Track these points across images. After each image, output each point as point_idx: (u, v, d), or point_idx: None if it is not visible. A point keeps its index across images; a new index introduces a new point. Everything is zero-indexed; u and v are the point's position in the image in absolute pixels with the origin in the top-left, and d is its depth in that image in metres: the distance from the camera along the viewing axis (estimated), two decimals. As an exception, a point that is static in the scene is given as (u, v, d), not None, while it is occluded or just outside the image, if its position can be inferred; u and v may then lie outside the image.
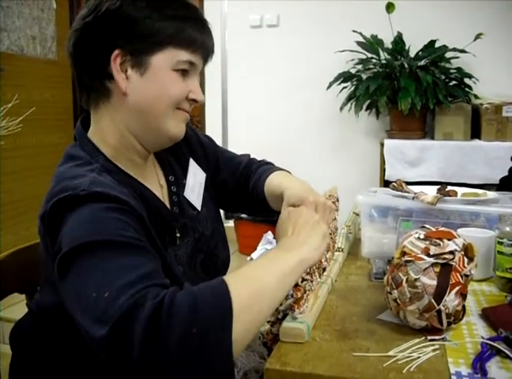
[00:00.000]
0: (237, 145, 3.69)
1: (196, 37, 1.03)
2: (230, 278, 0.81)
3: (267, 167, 1.31)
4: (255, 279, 0.84)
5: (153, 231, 0.96)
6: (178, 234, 1.11)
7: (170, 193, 1.14)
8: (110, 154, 1.03)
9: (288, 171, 1.31)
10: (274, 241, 4.00)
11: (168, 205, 1.12)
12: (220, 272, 1.21)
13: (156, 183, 1.13)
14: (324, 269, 1.16)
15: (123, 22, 0.98)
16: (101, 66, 0.99)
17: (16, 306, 1.18)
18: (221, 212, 1.33)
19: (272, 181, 1.23)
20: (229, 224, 4.06)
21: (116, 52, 0.98)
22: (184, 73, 1.03)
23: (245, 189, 1.30)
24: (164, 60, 1.00)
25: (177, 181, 1.16)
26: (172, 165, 1.18)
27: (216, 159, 1.30)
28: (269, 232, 4.08)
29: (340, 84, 3.51)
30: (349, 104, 3.51)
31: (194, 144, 1.26)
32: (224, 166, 1.31)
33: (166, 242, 1.06)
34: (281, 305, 1.04)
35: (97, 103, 1.04)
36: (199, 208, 1.18)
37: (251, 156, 1.39)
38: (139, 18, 0.98)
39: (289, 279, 0.88)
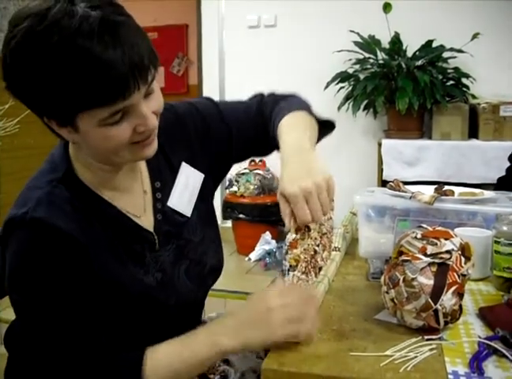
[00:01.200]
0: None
1: (105, 88, 0.84)
2: (150, 360, 0.93)
3: (277, 113, 1.18)
4: (171, 368, 0.94)
5: (110, 248, 0.99)
6: (156, 242, 1.08)
7: (154, 199, 1.10)
8: (77, 167, 1.01)
9: (298, 106, 1.18)
10: (272, 241, 4.01)
11: (152, 212, 1.09)
12: (206, 279, 1.18)
13: (138, 189, 1.09)
14: (320, 268, 1.16)
15: (27, 98, 0.90)
16: (42, 120, 0.94)
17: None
18: (218, 212, 1.31)
19: (279, 136, 1.12)
20: (227, 225, 4.06)
21: (45, 118, 0.92)
22: (116, 122, 0.90)
23: (265, 137, 1.21)
24: (86, 121, 0.89)
25: (163, 187, 1.11)
26: (161, 170, 1.12)
27: (226, 128, 1.20)
28: (267, 232, 4.12)
29: (337, 84, 3.52)
30: (347, 104, 3.51)
31: (194, 130, 1.18)
32: (237, 130, 1.21)
33: (136, 252, 1.04)
34: None
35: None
36: (189, 214, 1.14)
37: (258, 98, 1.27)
38: (35, 94, 0.87)
39: (202, 365, 0.97)
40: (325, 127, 1.22)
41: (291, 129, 1.11)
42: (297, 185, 0.95)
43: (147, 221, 1.08)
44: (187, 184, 1.14)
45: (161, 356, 0.95)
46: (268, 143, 1.20)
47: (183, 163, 1.14)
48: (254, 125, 1.22)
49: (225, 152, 1.22)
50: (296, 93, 1.28)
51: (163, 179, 1.12)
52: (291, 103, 1.20)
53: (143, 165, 1.11)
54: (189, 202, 1.14)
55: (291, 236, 1.00)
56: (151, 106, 0.93)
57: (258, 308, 0.95)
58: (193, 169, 1.16)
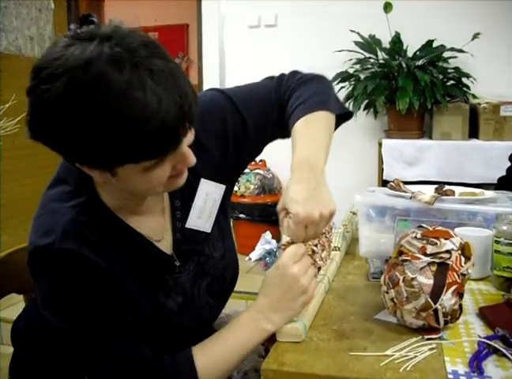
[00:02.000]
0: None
1: (157, 147, 0.82)
2: (201, 362, 0.96)
3: (295, 107, 1.13)
4: (224, 362, 0.98)
5: (134, 275, 0.98)
6: (177, 263, 1.06)
7: (173, 218, 1.07)
8: (99, 192, 0.97)
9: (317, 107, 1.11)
10: (273, 241, 4.00)
11: (170, 232, 1.07)
12: (226, 293, 1.19)
13: (157, 210, 1.06)
14: (320, 268, 1.16)
15: (67, 148, 0.84)
16: (69, 160, 0.89)
17: (15, 307, 1.18)
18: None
19: (293, 145, 1.07)
20: (227, 224, 4.06)
21: (77, 163, 0.87)
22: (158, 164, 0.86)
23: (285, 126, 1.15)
24: (129, 170, 0.85)
25: (183, 206, 1.08)
26: (182, 188, 1.03)
27: (242, 121, 1.14)
28: (267, 232, 4.11)
29: (338, 83, 3.51)
30: (347, 104, 3.51)
31: (211, 139, 1.11)
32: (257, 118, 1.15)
33: (158, 277, 1.03)
34: None
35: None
36: (209, 230, 1.11)
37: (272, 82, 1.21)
38: (79, 146, 0.82)
39: (251, 351, 1.01)
40: (343, 117, 1.20)
41: (307, 136, 1.07)
42: (304, 209, 0.95)
43: (166, 243, 1.06)
44: (207, 199, 1.10)
45: (210, 352, 0.98)
46: (284, 129, 1.16)
47: (202, 180, 1.09)
48: (271, 115, 1.16)
49: (244, 147, 1.16)
50: (319, 75, 1.22)
51: (182, 197, 1.08)
52: (312, 95, 1.14)
53: None
54: (209, 218, 1.11)
55: (285, 238, 1.03)
56: (187, 142, 0.90)
57: (285, 280, 0.98)
58: (212, 183, 1.11)
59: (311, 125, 1.09)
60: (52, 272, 0.91)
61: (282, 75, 1.21)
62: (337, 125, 1.17)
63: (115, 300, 0.94)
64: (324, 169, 1.03)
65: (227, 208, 1.19)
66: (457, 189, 1.47)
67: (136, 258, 0.99)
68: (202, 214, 1.10)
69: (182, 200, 1.08)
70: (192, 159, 0.92)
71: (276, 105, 1.16)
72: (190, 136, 0.90)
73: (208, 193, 1.11)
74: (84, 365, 0.96)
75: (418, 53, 3.47)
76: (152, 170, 0.86)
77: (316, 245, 1.08)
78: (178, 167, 0.91)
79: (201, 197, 1.10)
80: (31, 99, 0.81)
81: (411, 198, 1.36)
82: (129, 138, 0.79)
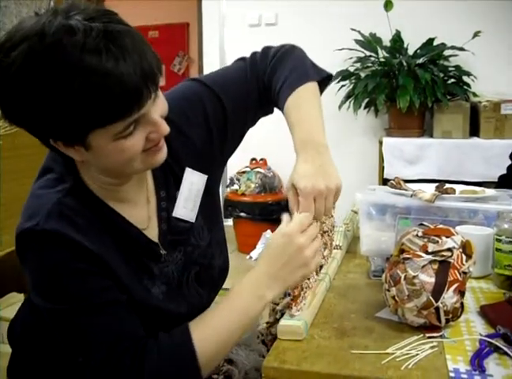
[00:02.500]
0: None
1: (119, 105, 0.82)
2: (197, 334, 0.94)
3: (281, 83, 1.14)
4: (222, 332, 0.96)
5: (121, 259, 0.98)
6: (162, 252, 1.06)
7: (159, 208, 1.08)
8: (84, 177, 0.99)
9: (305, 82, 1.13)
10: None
11: (156, 222, 1.07)
12: (216, 282, 1.18)
13: (142, 199, 1.07)
14: (321, 267, 1.16)
15: (31, 123, 0.86)
16: (47, 143, 0.90)
17: (15, 306, 1.18)
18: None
19: (290, 125, 1.10)
20: (228, 223, 4.06)
21: (51, 140, 0.88)
22: (130, 133, 0.88)
23: (266, 102, 1.18)
24: (99, 139, 0.86)
25: (168, 196, 1.09)
26: (166, 177, 1.09)
27: (220, 104, 1.14)
28: (268, 231, 4.12)
29: (338, 82, 3.51)
30: (348, 102, 3.51)
31: (191, 127, 1.12)
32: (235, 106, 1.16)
33: (144, 264, 1.03)
34: (278, 304, 1.05)
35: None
36: (193, 220, 1.11)
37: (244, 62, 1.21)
38: (42, 118, 0.83)
39: (253, 320, 1.00)
40: (324, 80, 1.22)
41: (303, 117, 1.09)
42: (311, 183, 0.98)
43: (152, 232, 1.06)
44: (191, 189, 1.11)
45: (207, 322, 0.97)
46: (266, 108, 1.21)
47: (187, 169, 1.11)
48: (250, 96, 1.17)
49: (226, 132, 1.16)
50: (289, 47, 1.25)
51: (168, 187, 1.09)
52: (291, 71, 1.15)
53: (149, 175, 1.08)
54: (193, 207, 1.12)
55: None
56: (159, 110, 0.92)
57: (290, 250, 0.97)
58: (196, 172, 1.12)
59: (302, 103, 1.11)
60: (37, 253, 0.92)
61: (254, 54, 1.22)
62: (321, 89, 1.19)
63: (103, 278, 0.94)
64: (327, 144, 1.06)
65: (214, 196, 1.20)
66: (458, 188, 1.46)
67: (122, 242, 1.00)
68: (187, 203, 1.11)
69: (168, 190, 1.09)
70: (165, 128, 0.92)
71: (254, 85, 1.17)
72: (160, 104, 0.92)
73: (193, 183, 1.12)
74: (78, 345, 0.94)
75: (418, 51, 3.47)
76: (124, 138, 0.87)
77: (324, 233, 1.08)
78: (151, 137, 0.91)
79: (186, 187, 1.11)
80: None
81: (412, 196, 1.36)
82: (91, 101, 0.80)
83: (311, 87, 1.14)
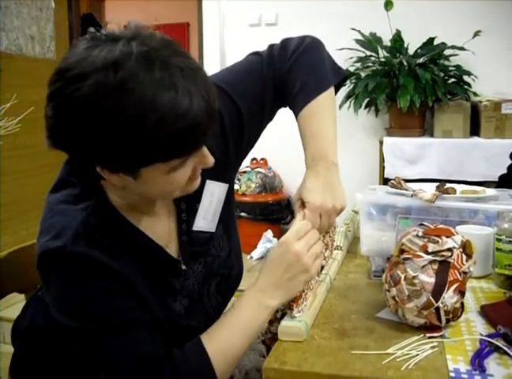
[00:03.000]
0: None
1: (187, 142, 0.82)
2: (211, 351, 0.95)
3: (299, 88, 1.12)
4: (233, 346, 0.97)
5: (144, 278, 0.97)
6: (183, 267, 1.06)
7: (179, 220, 1.07)
8: (108, 193, 0.96)
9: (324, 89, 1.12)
10: (274, 239, 4.01)
11: (176, 235, 1.06)
12: (233, 290, 1.19)
13: (164, 213, 1.05)
14: (322, 267, 1.16)
15: (87, 152, 0.82)
16: (89, 166, 0.86)
17: (16, 306, 1.18)
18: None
19: (303, 136, 1.10)
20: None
21: (99, 168, 0.85)
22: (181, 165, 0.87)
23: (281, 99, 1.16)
24: (155, 171, 0.85)
25: (189, 208, 1.07)
26: None
27: (235, 107, 1.12)
28: (269, 230, 4.11)
29: (339, 82, 3.51)
30: (348, 102, 3.51)
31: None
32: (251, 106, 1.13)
33: (166, 281, 1.03)
34: None
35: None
36: (213, 230, 1.11)
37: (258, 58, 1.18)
38: (104, 142, 0.79)
39: (260, 329, 1.02)
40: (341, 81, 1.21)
41: (318, 133, 1.09)
42: (320, 199, 1.02)
43: (173, 246, 1.05)
44: (212, 200, 1.10)
45: (218, 336, 0.98)
46: (280, 103, 1.18)
47: (207, 181, 1.08)
48: (266, 95, 1.14)
49: (242, 135, 1.14)
50: (309, 42, 1.20)
51: (188, 198, 1.06)
52: (309, 77, 1.12)
53: None
54: (213, 217, 1.11)
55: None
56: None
57: (287, 257, 0.98)
58: (216, 183, 1.10)
59: (317, 116, 1.10)
60: (64, 274, 0.91)
61: (271, 48, 1.19)
62: (336, 90, 1.19)
63: (129, 298, 0.94)
64: (337, 163, 1.08)
65: (231, 204, 1.19)
66: (459, 187, 1.46)
67: (145, 261, 0.99)
68: (207, 214, 1.10)
69: (188, 202, 1.07)
70: (211, 160, 0.92)
71: (270, 82, 1.14)
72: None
73: (213, 194, 1.10)
74: (100, 364, 0.94)
75: (419, 51, 3.47)
76: (177, 169, 0.86)
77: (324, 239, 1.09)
78: (197, 168, 0.91)
79: (207, 198, 1.09)
80: (55, 102, 0.80)
81: (412, 196, 1.36)
82: (162, 137, 0.78)
83: (328, 96, 1.12)
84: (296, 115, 1.12)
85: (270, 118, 1.20)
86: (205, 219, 1.09)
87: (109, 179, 0.87)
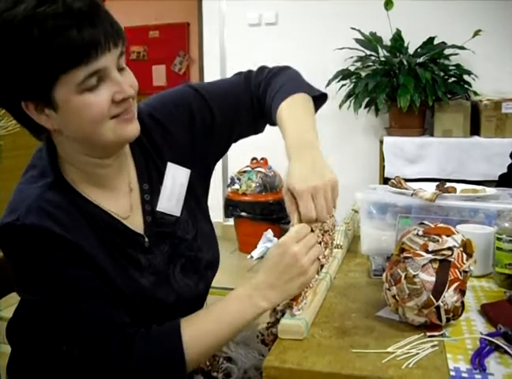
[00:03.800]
0: (237, 143, 3.69)
1: (76, 48, 0.87)
2: (187, 332, 0.96)
3: (273, 95, 1.16)
4: (211, 334, 0.98)
5: (103, 249, 1.00)
6: (146, 242, 1.08)
7: (142, 201, 1.10)
8: (65, 168, 1.02)
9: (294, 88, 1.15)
10: (274, 239, 4.01)
11: (141, 214, 1.09)
12: (204, 274, 1.18)
13: (124, 187, 1.09)
14: (322, 266, 1.16)
15: (4, 74, 0.90)
16: (24, 115, 0.95)
17: (15, 306, 1.18)
18: (220, 210, 1.29)
19: (281, 129, 1.10)
20: (229, 223, 4.06)
21: (23, 103, 0.92)
22: (94, 87, 0.92)
23: (258, 114, 1.21)
24: (64, 89, 0.90)
25: (151, 189, 1.11)
26: (149, 172, 1.12)
27: (210, 113, 1.17)
28: (269, 230, 4.12)
29: (339, 81, 3.51)
30: (348, 102, 3.51)
31: (177, 127, 1.15)
32: (225, 117, 1.19)
33: (129, 255, 1.05)
34: (279, 304, 1.05)
35: (44, 137, 1.02)
36: (178, 214, 1.13)
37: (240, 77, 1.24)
38: (12, 64, 0.88)
39: (242, 327, 1.01)
40: (319, 99, 1.20)
41: (293, 118, 1.09)
42: (305, 183, 0.97)
43: (136, 222, 1.08)
44: (174, 183, 1.13)
45: (198, 322, 0.99)
46: (257, 123, 1.23)
47: (169, 163, 1.13)
48: (241, 107, 1.19)
49: (212, 139, 1.19)
50: (285, 66, 1.25)
51: (151, 181, 1.12)
52: (285, 82, 1.17)
53: (131, 166, 1.11)
54: (177, 201, 1.14)
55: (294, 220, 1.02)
56: (125, 79, 0.96)
57: (285, 259, 0.98)
58: (179, 167, 1.14)
59: (294, 108, 1.11)
60: (18, 247, 0.94)
61: (249, 71, 1.24)
62: (316, 108, 1.18)
63: (84, 268, 0.96)
64: (318, 145, 1.05)
65: (200, 193, 1.21)
66: (459, 187, 1.46)
67: (105, 234, 1.02)
68: (172, 197, 1.13)
69: (150, 183, 1.11)
70: (129, 90, 0.95)
71: (247, 98, 1.20)
72: (128, 75, 0.97)
73: (176, 177, 1.14)
74: (61, 334, 0.97)
75: (419, 50, 3.47)
76: (88, 92, 0.91)
77: (320, 243, 1.08)
78: (116, 98, 0.94)
79: (169, 180, 1.13)
80: None
81: (412, 195, 1.36)
82: (51, 46, 0.86)
83: (304, 96, 1.14)
84: (274, 117, 1.12)
85: (238, 137, 1.25)
86: (170, 202, 1.12)
87: (39, 121, 0.94)
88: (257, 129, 1.26)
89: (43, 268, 0.94)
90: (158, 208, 1.11)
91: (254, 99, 1.19)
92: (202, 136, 1.17)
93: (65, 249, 0.94)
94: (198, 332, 0.98)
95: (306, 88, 1.18)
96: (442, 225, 1.06)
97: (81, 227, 0.98)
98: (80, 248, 0.95)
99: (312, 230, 1.05)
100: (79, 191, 1.01)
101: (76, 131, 0.96)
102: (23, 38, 0.86)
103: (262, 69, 1.24)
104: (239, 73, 1.24)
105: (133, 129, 0.99)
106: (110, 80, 0.93)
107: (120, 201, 1.07)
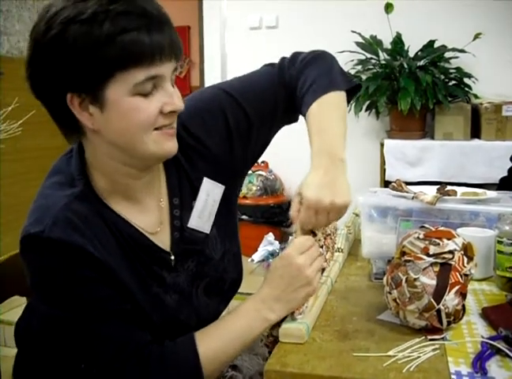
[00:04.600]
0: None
1: (143, 48, 0.88)
2: (202, 348, 0.96)
3: (306, 88, 1.10)
4: (224, 350, 0.99)
5: (127, 265, 0.98)
6: (172, 259, 1.06)
7: (172, 216, 1.07)
8: (94, 176, 1.00)
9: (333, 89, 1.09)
10: (275, 242, 4.00)
11: (169, 230, 1.07)
12: (227, 294, 1.18)
13: (153, 203, 1.06)
14: (323, 270, 1.16)
15: (61, 63, 0.88)
16: (64, 110, 0.92)
17: (17, 309, 1.18)
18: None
19: (310, 132, 1.06)
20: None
21: (69, 95, 0.90)
22: (148, 92, 0.91)
23: (292, 108, 1.16)
24: (118, 88, 0.89)
25: (182, 204, 1.07)
26: (181, 187, 1.08)
27: (244, 115, 1.13)
28: (270, 233, 4.11)
29: (339, 84, 3.51)
30: (349, 105, 3.50)
31: (212, 138, 1.11)
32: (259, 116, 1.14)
33: (154, 272, 1.03)
34: None
35: (77, 137, 0.99)
36: (208, 231, 1.10)
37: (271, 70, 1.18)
38: (75, 52, 0.86)
39: (254, 339, 1.03)
40: (352, 91, 1.16)
41: (323, 126, 1.05)
42: (316, 195, 0.97)
43: (163, 238, 1.06)
44: (208, 199, 1.10)
45: (212, 339, 0.99)
46: (293, 114, 1.19)
47: (205, 179, 1.10)
48: (277, 103, 1.15)
49: (248, 143, 1.15)
50: (320, 53, 1.18)
51: (182, 196, 1.08)
52: (317, 77, 1.10)
53: (162, 179, 1.08)
54: (209, 218, 1.11)
55: (296, 227, 1.04)
56: (176, 94, 0.96)
57: (289, 270, 0.99)
58: (214, 182, 1.11)
59: (325, 112, 1.06)
60: (41, 259, 0.92)
61: (283, 60, 1.18)
62: (348, 99, 1.14)
63: (107, 287, 0.94)
64: (345, 159, 1.02)
65: (233, 209, 1.20)
66: (459, 190, 1.46)
67: (129, 250, 0.99)
68: (203, 214, 1.10)
69: (181, 198, 1.08)
70: (179, 103, 0.95)
71: (281, 91, 1.14)
72: (177, 92, 0.96)
73: (209, 193, 1.10)
74: (80, 352, 0.95)
75: (419, 53, 3.47)
76: (140, 97, 0.90)
77: (322, 247, 1.08)
78: (166, 109, 0.93)
79: (203, 197, 1.09)
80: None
81: (413, 199, 1.36)
82: (119, 38, 0.86)
83: (337, 96, 1.09)
84: (305, 115, 1.09)
85: (277, 129, 1.21)
86: (200, 219, 1.09)
87: (80, 118, 0.91)
88: (292, 120, 1.22)
89: (66, 283, 0.92)
90: (189, 225, 1.08)
91: (288, 93, 1.14)
92: (239, 141, 1.13)
93: (89, 265, 0.92)
94: (213, 350, 0.98)
95: (339, 83, 1.11)
96: (442, 228, 1.06)
97: (107, 241, 0.96)
98: (105, 264, 0.93)
99: (315, 234, 1.05)
100: (106, 203, 0.99)
101: (117, 134, 0.93)
102: (92, 29, 0.85)
103: (295, 57, 1.18)
104: (271, 64, 1.19)
105: (174, 146, 0.98)
106: (163, 90, 0.93)
107: (148, 216, 1.04)
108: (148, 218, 1.04)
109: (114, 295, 0.95)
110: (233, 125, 1.11)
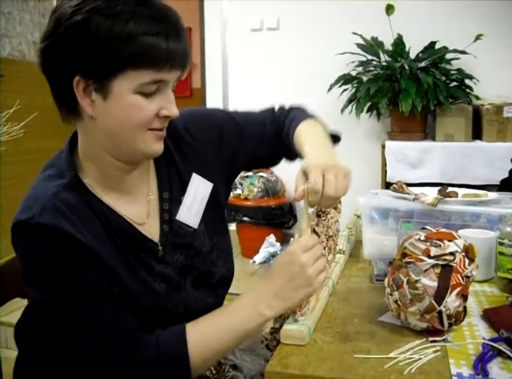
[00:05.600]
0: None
1: (159, 52, 0.93)
2: (192, 338, 0.97)
3: (292, 119, 1.25)
4: (215, 341, 0.98)
5: (115, 251, 1.01)
6: (160, 254, 1.08)
7: (161, 210, 1.11)
8: (84, 167, 1.04)
9: (313, 117, 1.27)
10: (277, 244, 4.00)
11: (158, 222, 1.10)
12: (215, 289, 1.18)
13: (142, 195, 1.10)
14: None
15: (79, 47, 0.92)
16: (67, 91, 0.95)
17: (18, 312, 1.18)
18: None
19: (298, 138, 1.18)
20: (231, 227, 4.06)
21: (77, 78, 0.93)
22: (150, 94, 0.96)
23: (279, 144, 1.26)
24: (125, 84, 0.93)
25: (171, 198, 1.12)
26: (171, 181, 1.13)
27: (239, 137, 1.24)
28: (271, 235, 4.11)
29: (340, 86, 3.51)
30: (350, 106, 3.51)
31: (207, 142, 1.19)
32: (249, 139, 1.25)
33: (143, 259, 1.05)
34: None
35: (73, 119, 1.02)
36: (196, 226, 1.14)
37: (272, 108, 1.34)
38: (95, 41, 0.91)
39: (247, 335, 1.01)
40: (333, 138, 1.24)
41: (311, 132, 1.18)
42: (318, 160, 1.04)
43: (151, 230, 1.08)
44: (196, 195, 1.15)
45: (203, 328, 0.99)
46: (276, 153, 1.30)
47: (194, 174, 1.15)
48: (265, 135, 1.26)
49: (238, 149, 1.24)
50: (302, 106, 1.33)
51: (172, 190, 1.12)
52: (303, 112, 1.28)
53: (152, 174, 1.12)
54: (196, 213, 1.14)
55: (301, 225, 1.04)
56: (174, 101, 1.01)
57: (292, 268, 0.99)
58: (202, 179, 1.16)
59: (311, 127, 1.20)
60: (30, 245, 0.95)
61: (274, 108, 1.33)
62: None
63: (95, 271, 0.97)
64: (333, 148, 1.14)
65: (221, 207, 1.22)
66: (461, 191, 1.46)
67: (117, 237, 1.02)
68: (191, 209, 1.14)
69: (171, 192, 1.12)
70: (175, 110, 1.00)
71: (271, 129, 1.27)
72: (174, 100, 1.01)
73: (198, 189, 1.15)
74: (68, 337, 0.97)
75: (420, 55, 3.47)
76: (143, 96, 0.95)
77: (324, 248, 1.08)
78: (162, 113, 0.98)
79: (191, 191, 1.14)
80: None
81: (414, 200, 1.36)
82: (140, 36, 0.91)
83: (320, 122, 1.24)
84: (291, 140, 1.18)
85: (265, 160, 1.32)
86: (189, 213, 1.13)
87: (82, 103, 0.95)
88: (275, 161, 1.34)
89: (54, 268, 0.94)
90: (177, 217, 1.11)
91: (277, 129, 1.26)
92: (230, 146, 1.21)
93: (77, 250, 0.95)
94: (203, 341, 0.98)
95: (316, 117, 1.28)
96: (444, 230, 1.06)
97: (95, 229, 0.99)
98: (93, 250, 0.96)
99: (318, 235, 1.05)
100: (95, 193, 1.03)
101: (113, 125, 0.97)
102: (115, 24, 0.90)
103: (283, 106, 1.33)
104: (266, 109, 1.33)
105: (160, 148, 1.03)
106: (164, 94, 0.98)
107: (137, 207, 1.08)
108: (136, 209, 1.08)
109: (102, 279, 0.97)
110: (226, 134, 1.21)
